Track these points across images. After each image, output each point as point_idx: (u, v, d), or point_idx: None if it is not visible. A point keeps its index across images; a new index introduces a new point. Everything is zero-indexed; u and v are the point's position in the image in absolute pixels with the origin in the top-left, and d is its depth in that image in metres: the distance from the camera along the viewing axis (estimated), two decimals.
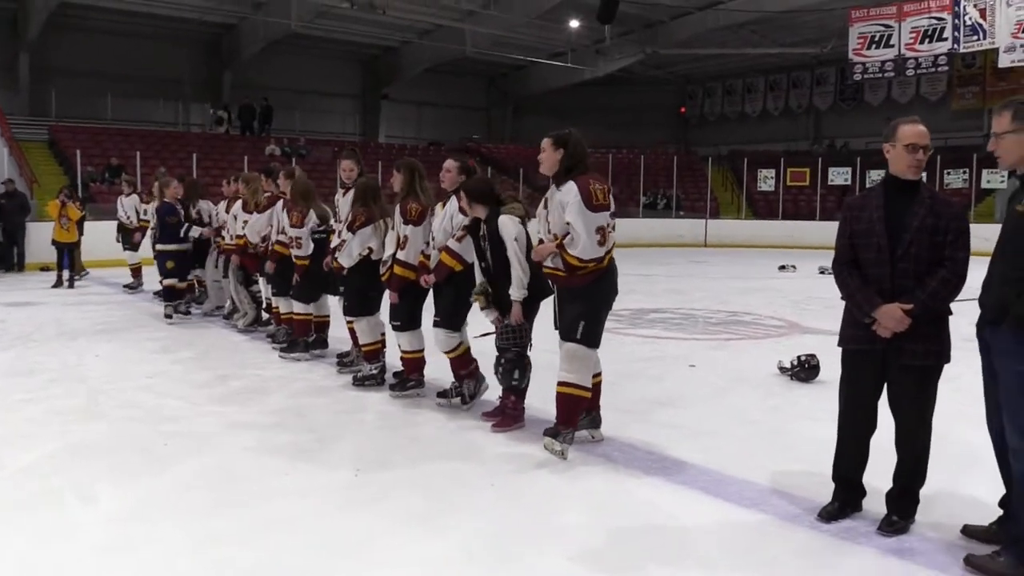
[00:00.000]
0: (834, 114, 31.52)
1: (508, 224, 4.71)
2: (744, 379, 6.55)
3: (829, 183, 25.31)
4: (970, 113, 27.97)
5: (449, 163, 5.43)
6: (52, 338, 8.18)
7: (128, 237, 12.15)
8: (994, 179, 22.72)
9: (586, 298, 4.35)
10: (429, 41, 27.53)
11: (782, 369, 6.66)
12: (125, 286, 12.14)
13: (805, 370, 6.46)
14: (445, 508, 3.76)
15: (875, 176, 24.56)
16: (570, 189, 4.24)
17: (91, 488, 3.96)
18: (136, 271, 12.23)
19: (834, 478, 3.69)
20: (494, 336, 4.99)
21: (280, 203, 7.36)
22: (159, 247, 9.00)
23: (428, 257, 5.47)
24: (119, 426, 5.05)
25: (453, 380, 5.54)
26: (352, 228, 5.87)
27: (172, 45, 25.73)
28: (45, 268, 15.19)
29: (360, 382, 6.07)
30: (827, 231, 22.55)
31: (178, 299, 9.20)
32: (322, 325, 7.14)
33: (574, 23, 26.07)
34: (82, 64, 24.09)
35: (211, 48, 26.90)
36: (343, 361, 6.72)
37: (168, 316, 9.07)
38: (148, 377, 6.43)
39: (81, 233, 13.02)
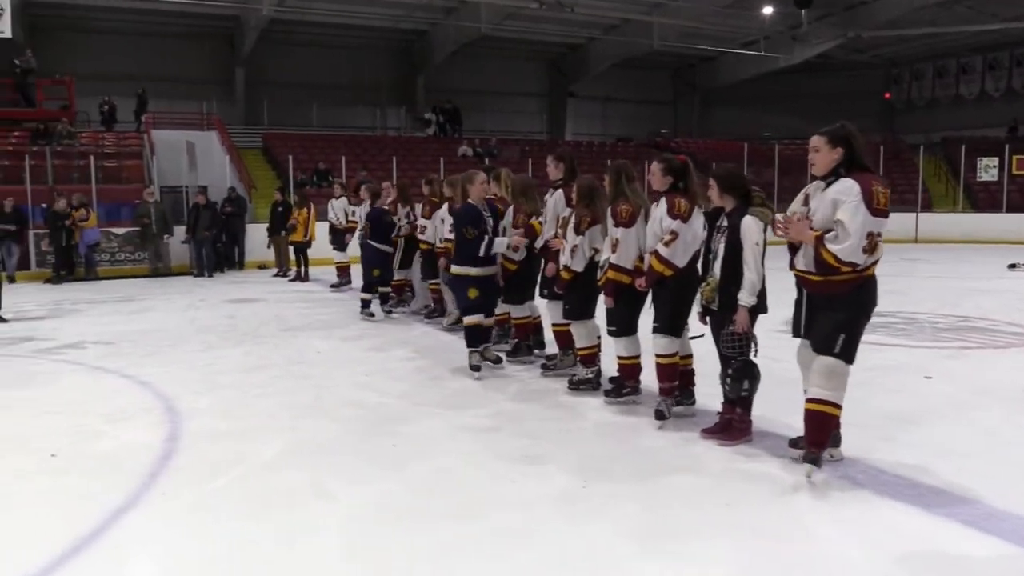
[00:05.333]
0: None
1: (752, 227, 4.42)
2: (990, 393, 5.88)
3: None
4: None
5: (655, 165, 5.21)
6: (275, 334, 8.70)
7: (339, 238, 12.76)
8: None
9: (848, 308, 4.00)
10: (615, 36, 27.31)
11: None
12: (332, 286, 12.74)
13: None
14: (681, 529, 3.55)
15: None
16: (850, 187, 3.89)
17: (328, 486, 4.08)
18: (343, 270, 12.85)
19: None
20: (719, 343, 4.71)
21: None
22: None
23: (642, 260, 5.29)
24: (346, 425, 5.22)
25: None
26: (580, 230, 5.78)
27: (369, 53, 27.01)
28: (262, 266, 16.38)
29: (576, 386, 5.97)
30: None
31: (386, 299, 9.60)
32: (536, 327, 7.11)
33: (767, 9, 24.95)
34: (289, 75, 25.82)
35: (404, 54, 28.03)
36: (547, 365, 6.67)
37: (369, 315, 9.43)
38: (366, 375, 6.66)
39: (307, 234, 13.97)
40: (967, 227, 22.54)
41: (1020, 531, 3.49)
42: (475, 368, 6.48)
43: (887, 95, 33.29)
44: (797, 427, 4.71)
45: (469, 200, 6.46)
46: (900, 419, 5.20)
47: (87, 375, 6.95)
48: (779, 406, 5.04)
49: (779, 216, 4.26)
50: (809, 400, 4.13)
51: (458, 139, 25.63)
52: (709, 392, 5.28)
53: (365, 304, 9.52)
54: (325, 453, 4.63)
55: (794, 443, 4.42)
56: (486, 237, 6.41)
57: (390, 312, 9.63)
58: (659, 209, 5.08)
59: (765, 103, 31.55)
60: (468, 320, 6.57)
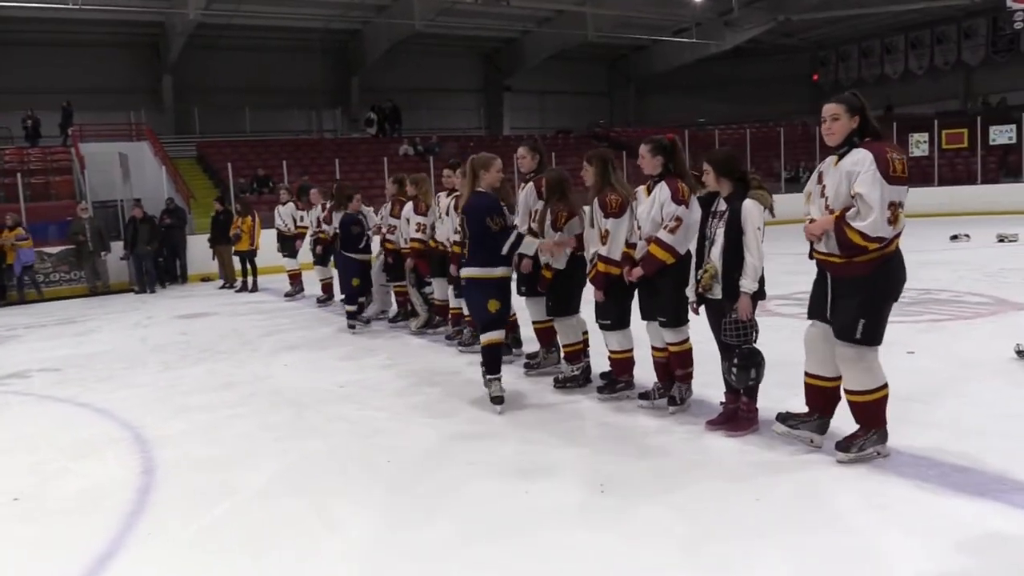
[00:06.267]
0: (987, 68, 29.18)
1: (754, 211, 4.29)
2: (978, 366, 5.88)
3: (991, 143, 23.42)
4: None
5: (643, 148, 5.03)
6: (236, 349, 8.29)
7: (288, 245, 12.34)
8: None
9: (867, 289, 3.85)
10: (549, 28, 27.20)
11: (1021, 353, 5.95)
12: (286, 294, 12.34)
13: None
14: (718, 532, 3.37)
15: None
16: (863, 157, 3.74)
17: (333, 512, 3.79)
18: (295, 277, 12.43)
19: None
20: (720, 332, 4.55)
21: (455, 199, 7.17)
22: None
23: (634, 247, 5.10)
24: (334, 441, 4.93)
25: (655, 382, 5.23)
26: (557, 226, 5.57)
27: (301, 55, 26.37)
28: (206, 279, 15.81)
29: (562, 384, 5.78)
30: (990, 195, 20.79)
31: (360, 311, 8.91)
32: (513, 325, 6.89)
33: None
34: (220, 81, 25.02)
35: (337, 55, 27.43)
36: (530, 364, 6.46)
37: (351, 327, 8.68)
38: (341, 387, 6.34)
39: (253, 243, 13.46)
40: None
41: None
42: (497, 400, 5.35)
43: (815, 77, 33.93)
44: (797, 411, 4.65)
45: (480, 188, 5.42)
46: (901, 398, 5.03)
47: (37, 406, 6.49)
48: (772, 391, 4.89)
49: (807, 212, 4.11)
50: (848, 392, 4.02)
51: (398, 138, 25.22)
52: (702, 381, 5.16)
53: (351, 316, 8.75)
54: (320, 475, 4.34)
55: (782, 417, 4.27)
56: (514, 231, 5.42)
57: (368, 322, 8.92)
58: (655, 194, 4.89)
59: (699, 90, 31.84)
60: (489, 338, 5.36)
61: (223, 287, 14.42)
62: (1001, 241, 14.73)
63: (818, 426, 4.25)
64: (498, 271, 5.34)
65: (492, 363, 5.39)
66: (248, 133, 24.87)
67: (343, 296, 8.93)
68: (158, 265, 15.04)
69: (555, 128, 30.48)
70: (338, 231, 8.68)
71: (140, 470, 4.60)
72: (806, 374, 4.25)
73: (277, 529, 3.64)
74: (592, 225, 5.28)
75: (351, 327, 8.70)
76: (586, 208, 5.51)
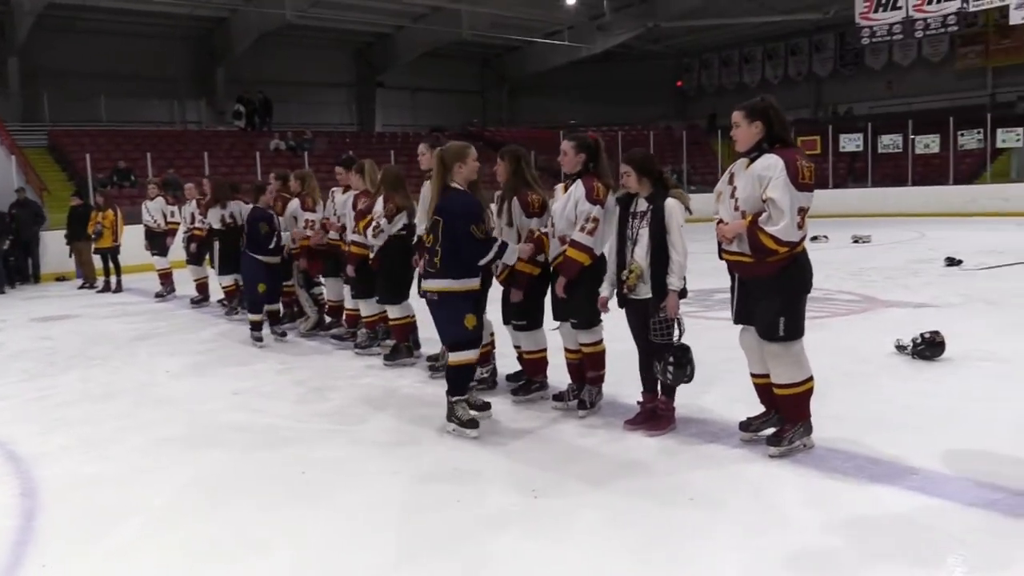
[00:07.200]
0: (835, 80, 31.21)
1: (676, 210, 4.35)
2: (862, 361, 6.19)
3: (840, 150, 24.98)
4: (974, 72, 27.73)
5: (565, 144, 4.99)
6: (110, 355, 7.70)
7: (158, 242, 11.63)
8: (1009, 138, 22.51)
9: (780, 289, 3.97)
10: (424, 25, 26.96)
11: (900, 347, 6.32)
12: (156, 295, 11.63)
13: (931, 347, 6.12)
14: (659, 536, 3.34)
15: (887, 141, 24.27)
16: (774, 163, 3.83)
17: (255, 533, 3.51)
18: (166, 276, 11.73)
19: None
20: (648, 332, 4.55)
21: (351, 197, 6.95)
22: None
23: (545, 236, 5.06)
24: (239, 455, 4.62)
25: (569, 383, 5.20)
26: None
27: (163, 42, 25.07)
28: (61, 278, 14.72)
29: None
30: (842, 199, 22.08)
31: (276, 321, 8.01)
32: (412, 327, 6.71)
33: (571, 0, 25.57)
34: (73, 65, 23.34)
35: (203, 43, 26.19)
36: (434, 365, 6.32)
37: (258, 340, 7.68)
38: (236, 394, 5.99)
39: (116, 239, 12.58)
40: None
41: (965, 490, 3.63)
42: (472, 424, 4.68)
43: (679, 83, 35.25)
44: (710, 408, 4.87)
45: (454, 184, 4.65)
46: None
47: None
48: (688, 388, 4.94)
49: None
50: (776, 387, 4.11)
51: (268, 132, 24.31)
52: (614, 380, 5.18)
53: (255, 327, 7.68)
54: (231, 491, 4.04)
55: (744, 425, 4.37)
56: (498, 241, 4.71)
57: (284, 335, 7.87)
58: (571, 191, 4.85)
59: (571, 92, 32.41)
60: (462, 358, 4.71)
61: (83, 287, 13.46)
62: (856, 242, 15.72)
63: (777, 422, 4.31)
64: (476, 281, 4.71)
65: (461, 385, 4.76)
66: (104, 122, 23.31)
67: (247, 303, 8.15)
68: (7, 263, 13.85)
69: (427, 126, 30.22)
70: (244, 227, 7.86)
71: (19, 492, 4.16)
72: (751, 375, 4.36)
73: (197, 555, 3.34)
74: (510, 224, 5.17)
75: (256, 339, 7.68)
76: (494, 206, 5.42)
